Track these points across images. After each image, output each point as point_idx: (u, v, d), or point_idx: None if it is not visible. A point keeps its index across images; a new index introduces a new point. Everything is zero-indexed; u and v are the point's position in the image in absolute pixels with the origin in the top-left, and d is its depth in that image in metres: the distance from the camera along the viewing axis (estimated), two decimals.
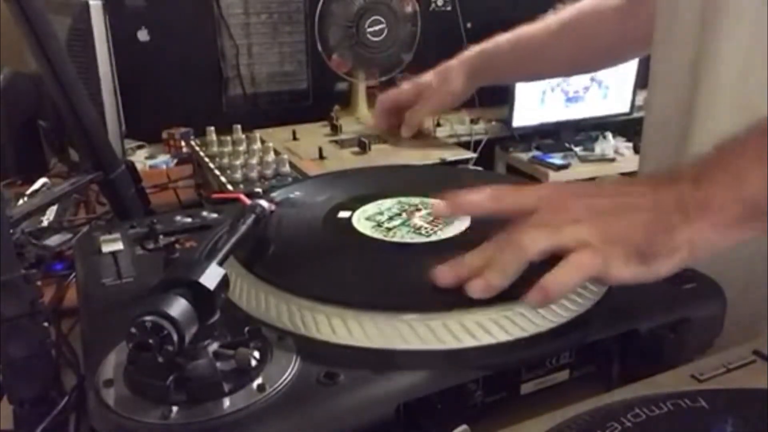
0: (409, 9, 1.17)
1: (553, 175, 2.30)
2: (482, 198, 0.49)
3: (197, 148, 0.94)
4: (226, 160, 0.86)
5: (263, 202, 0.52)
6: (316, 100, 2.19)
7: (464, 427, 0.38)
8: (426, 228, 0.54)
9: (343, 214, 0.57)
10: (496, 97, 2.27)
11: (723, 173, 0.44)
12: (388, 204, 0.59)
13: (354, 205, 0.58)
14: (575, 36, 0.89)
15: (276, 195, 0.59)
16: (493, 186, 0.50)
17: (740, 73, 0.64)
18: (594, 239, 0.43)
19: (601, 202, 0.46)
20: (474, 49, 0.94)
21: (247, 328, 0.41)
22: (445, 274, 0.45)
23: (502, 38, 0.93)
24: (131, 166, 0.87)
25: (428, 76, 0.97)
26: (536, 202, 0.47)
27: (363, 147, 0.92)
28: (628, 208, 0.45)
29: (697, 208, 0.43)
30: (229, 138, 0.94)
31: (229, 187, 0.79)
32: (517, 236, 0.44)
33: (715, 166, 0.45)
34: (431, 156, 0.90)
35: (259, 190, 0.62)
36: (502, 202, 0.49)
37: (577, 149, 2.44)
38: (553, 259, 0.43)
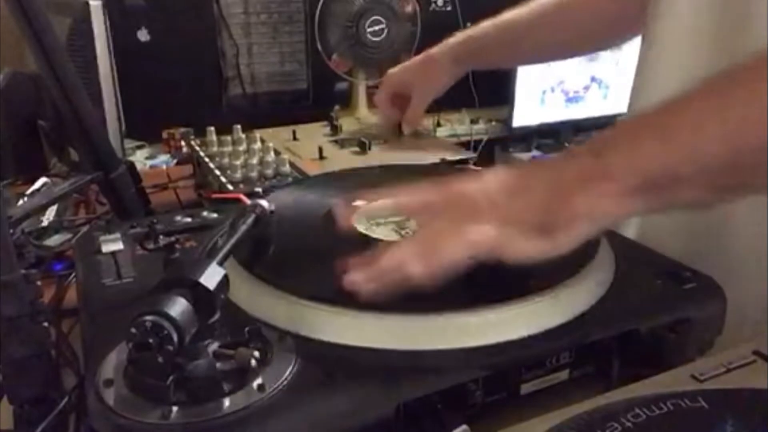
0: (409, 9, 1.17)
1: None
2: (388, 204, 0.51)
3: (197, 148, 0.94)
4: (226, 160, 0.86)
5: (263, 202, 0.52)
6: (316, 100, 2.19)
7: (464, 427, 0.38)
8: (412, 229, 0.54)
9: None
10: (496, 97, 2.27)
11: (622, 145, 0.44)
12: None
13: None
14: (564, 17, 0.88)
15: (276, 195, 0.59)
16: (402, 190, 0.51)
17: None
18: (494, 224, 0.44)
19: (497, 187, 0.46)
20: (459, 35, 0.93)
21: (247, 328, 0.41)
22: (359, 280, 0.45)
23: (489, 23, 0.92)
24: (131, 166, 0.87)
25: (410, 71, 0.95)
26: (440, 200, 0.48)
27: (363, 147, 0.92)
28: (526, 187, 0.46)
29: (596, 178, 0.43)
30: (229, 138, 0.94)
31: (229, 187, 0.79)
32: (430, 245, 0.44)
33: (618, 137, 0.46)
34: (431, 156, 0.90)
35: (259, 190, 0.62)
36: (408, 208, 0.50)
37: None
38: None
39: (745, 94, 0.41)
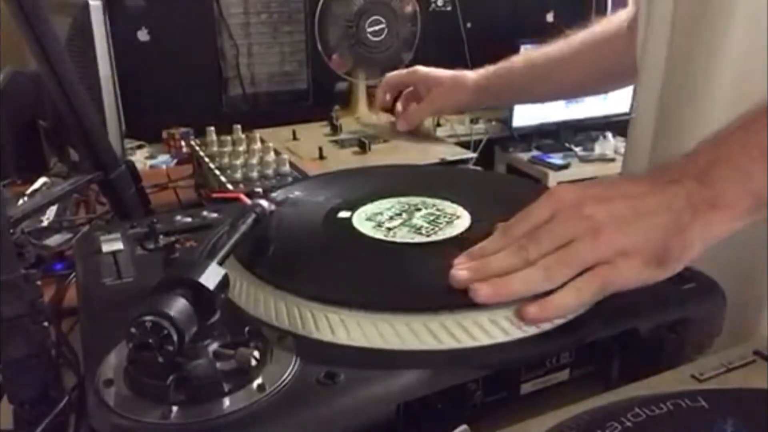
0: (409, 9, 1.17)
1: (553, 175, 2.30)
2: (495, 240, 0.48)
3: (197, 148, 0.94)
4: (226, 160, 0.86)
5: (263, 202, 0.52)
6: (316, 100, 2.19)
7: (464, 427, 0.38)
8: (426, 228, 0.54)
9: (344, 214, 0.57)
10: None
11: (730, 170, 0.45)
12: (387, 204, 0.59)
13: (354, 204, 0.58)
14: (585, 59, 0.90)
15: (276, 195, 0.59)
16: (501, 225, 0.49)
17: (738, 66, 0.64)
18: (611, 252, 0.44)
19: (617, 207, 0.46)
20: (489, 68, 0.96)
21: (247, 328, 0.41)
22: (464, 276, 0.45)
23: (516, 59, 0.95)
24: (131, 166, 0.87)
25: (442, 77, 0.97)
26: (551, 212, 0.47)
27: (363, 147, 0.92)
28: (644, 213, 0.45)
29: (707, 207, 0.44)
30: (229, 138, 0.94)
31: (229, 187, 0.79)
32: (543, 263, 0.44)
33: (722, 162, 0.46)
34: (431, 156, 0.90)
35: (259, 190, 0.62)
36: (511, 237, 0.47)
37: (577, 149, 2.44)
38: None
39: None
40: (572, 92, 1.09)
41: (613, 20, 0.89)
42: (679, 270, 0.46)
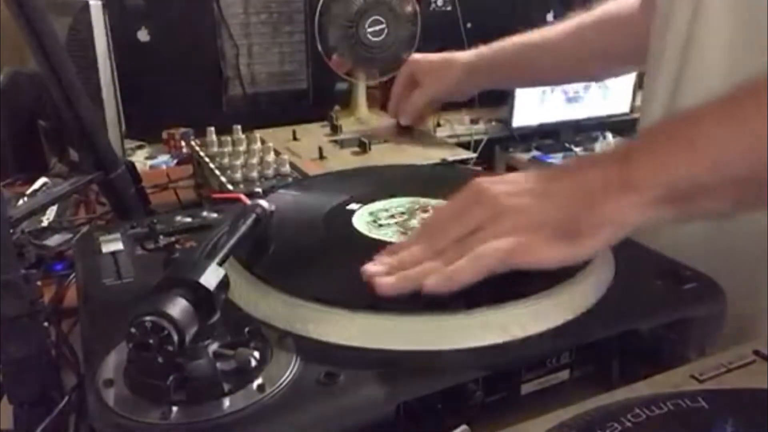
0: (409, 9, 1.17)
1: None
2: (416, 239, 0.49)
3: (197, 148, 0.94)
4: (226, 160, 0.86)
5: (263, 202, 0.52)
6: (316, 100, 2.19)
7: (464, 427, 0.38)
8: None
9: (353, 206, 0.57)
10: (495, 97, 2.27)
11: (648, 155, 0.45)
12: (396, 203, 0.59)
13: (358, 203, 0.59)
14: (584, 43, 0.88)
15: (275, 195, 0.60)
16: (419, 227, 0.51)
17: (725, 66, 0.64)
18: (514, 231, 0.44)
19: (528, 188, 0.47)
20: (480, 48, 0.94)
21: (247, 328, 0.41)
22: (371, 270, 0.45)
23: (509, 41, 0.92)
24: (131, 166, 0.87)
25: (433, 60, 0.96)
26: (466, 202, 0.48)
27: (363, 147, 0.92)
28: (554, 191, 0.46)
29: (620, 187, 0.44)
30: (229, 138, 0.94)
31: (229, 187, 0.79)
32: (455, 259, 0.44)
33: (643, 147, 0.46)
34: (431, 156, 0.90)
35: (259, 190, 0.62)
36: (434, 236, 0.48)
37: (577, 149, 2.44)
38: None
39: None
40: (568, 75, 1.05)
41: (614, 4, 0.87)
42: (594, 250, 0.45)
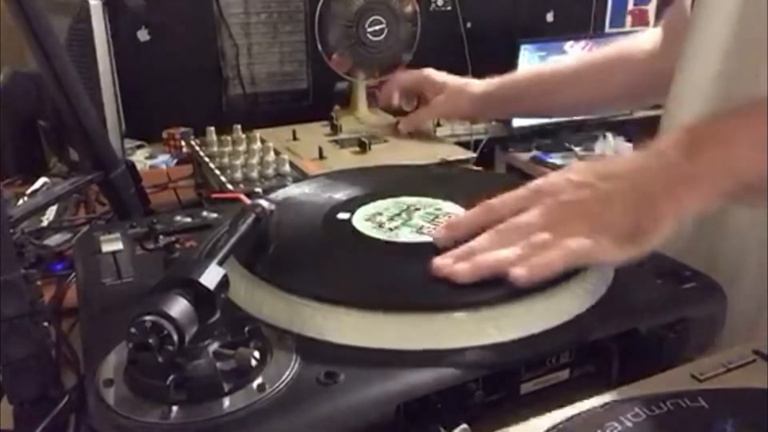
0: (409, 9, 1.16)
1: None
2: (475, 212, 0.50)
3: (197, 148, 0.94)
4: (226, 160, 0.86)
5: (263, 202, 0.52)
6: (316, 100, 2.19)
7: (464, 427, 0.38)
8: (427, 227, 0.54)
9: (343, 215, 0.57)
10: None
11: (717, 148, 0.45)
12: (386, 204, 0.59)
13: (353, 205, 0.59)
14: (597, 82, 0.89)
15: (276, 195, 0.60)
16: (484, 209, 0.51)
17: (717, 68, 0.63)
18: (586, 232, 0.45)
19: (591, 191, 0.47)
20: (493, 79, 0.95)
21: (247, 328, 0.41)
22: (444, 261, 0.46)
23: (521, 74, 0.94)
24: (131, 166, 0.87)
25: (447, 83, 0.97)
26: (532, 201, 0.48)
27: (363, 147, 0.92)
28: (616, 193, 0.46)
29: (686, 181, 0.44)
30: (229, 138, 0.94)
31: (229, 187, 0.79)
32: (534, 252, 0.45)
33: (710, 140, 0.46)
34: (431, 156, 0.90)
35: (259, 190, 0.62)
36: (494, 212, 0.49)
37: (577, 149, 2.44)
38: None
39: None
40: (579, 108, 1.07)
41: (631, 40, 0.87)
42: (654, 244, 0.45)
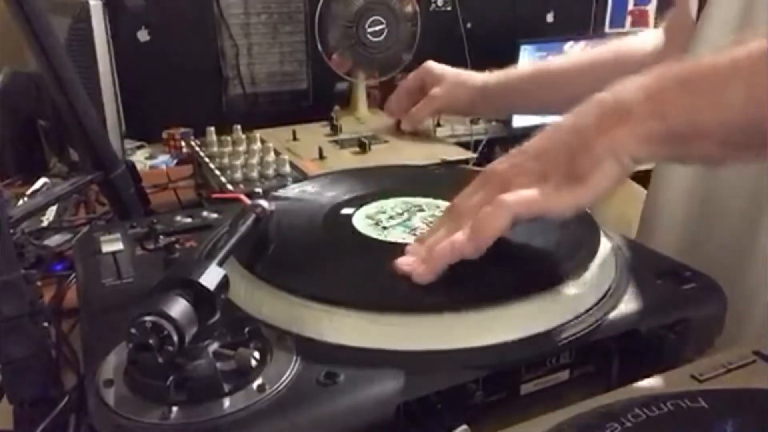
0: (409, 9, 1.16)
1: None
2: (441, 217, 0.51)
3: (197, 148, 0.94)
4: (226, 160, 0.86)
5: (263, 202, 0.52)
6: (316, 100, 2.19)
7: (464, 427, 0.38)
8: (422, 229, 0.54)
9: (346, 210, 0.57)
10: None
11: (643, 89, 0.45)
12: (391, 203, 0.59)
13: (355, 204, 0.59)
14: (598, 80, 0.88)
15: (276, 195, 0.60)
16: (440, 218, 0.52)
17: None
18: (526, 186, 0.45)
19: (523, 153, 0.48)
20: (494, 73, 0.94)
21: (247, 328, 0.41)
22: (403, 262, 0.46)
23: (522, 69, 0.94)
24: (131, 166, 0.87)
25: (447, 74, 0.96)
26: (480, 183, 0.50)
27: (363, 147, 0.92)
28: (550, 142, 0.48)
29: (617, 119, 0.44)
30: (229, 138, 0.94)
31: (229, 187, 0.79)
32: (475, 222, 0.45)
33: (640, 84, 0.46)
34: (431, 156, 0.89)
35: (259, 190, 0.62)
36: (456, 209, 0.50)
37: None
38: None
39: None
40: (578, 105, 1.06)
41: (633, 40, 0.87)
42: (602, 187, 0.45)
